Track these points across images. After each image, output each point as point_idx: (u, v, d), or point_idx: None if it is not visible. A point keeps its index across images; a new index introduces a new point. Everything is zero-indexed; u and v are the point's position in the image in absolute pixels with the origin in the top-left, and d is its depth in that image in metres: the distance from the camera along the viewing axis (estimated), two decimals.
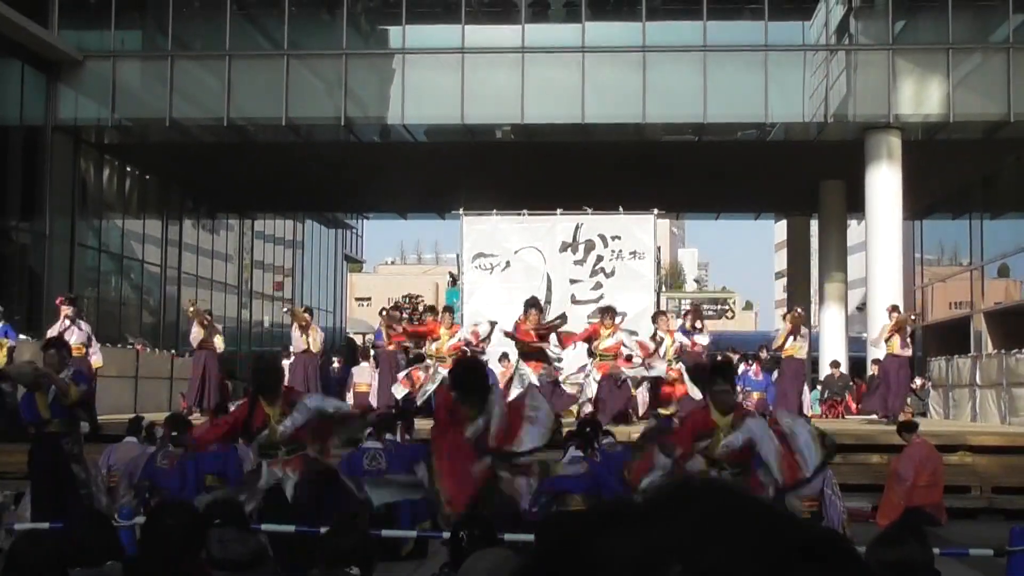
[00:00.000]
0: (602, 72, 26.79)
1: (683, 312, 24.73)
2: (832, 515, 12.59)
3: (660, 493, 1.30)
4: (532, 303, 19.40)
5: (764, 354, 25.11)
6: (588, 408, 19.38)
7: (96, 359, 19.69)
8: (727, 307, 71.04)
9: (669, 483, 1.32)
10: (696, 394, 18.09)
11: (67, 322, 19.53)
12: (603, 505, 1.34)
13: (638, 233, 24.48)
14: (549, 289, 23.86)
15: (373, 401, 22.60)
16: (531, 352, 18.91)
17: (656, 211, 24.86)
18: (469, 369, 11.50)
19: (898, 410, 20.75)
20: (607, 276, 24.15)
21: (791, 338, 21.11)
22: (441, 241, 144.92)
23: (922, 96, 26.63)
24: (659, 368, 19.71)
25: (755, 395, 23.57)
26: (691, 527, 1.21)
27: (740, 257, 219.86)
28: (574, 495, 12.28)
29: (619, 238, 24.35)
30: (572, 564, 1.24)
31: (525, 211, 25.08)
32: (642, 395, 20.63)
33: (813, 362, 28.23)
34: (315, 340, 22.16)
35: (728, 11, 27.88)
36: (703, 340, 21.09)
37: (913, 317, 21.93)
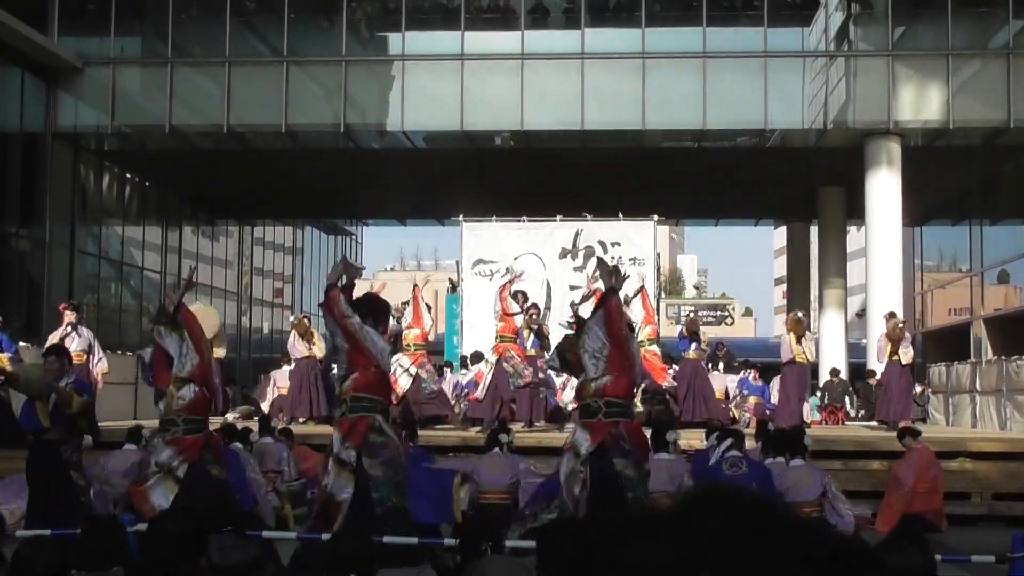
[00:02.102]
0: (601, 78, 26.79)
1: (681, 322, 24.77)
2: (835, 522, 12.59)
3: (686, 501, 1.30)
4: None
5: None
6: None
7: (102, 364, 19.70)
8: (726, 313, 71.23)
9: (695, 491, 1.32)
10: None
11: (68, 328, 19.56)
12: (630, 513, 1.35)
13: (637, 239, 24.52)
14: (549, 296, 23.90)
15: None
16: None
17: (656, 217, 24.91)
18: None
19: (900, 416, 20.76)
20: None
21: (798, 344, 21.05)
22: (440, 248, 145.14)
23: (922, 102, 26.63)
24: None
25: (752, 399, 23.61)
26: (719, 534, 1.22)
27: (739, 263, 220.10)
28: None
29: (619, 244, 24.39)
30: (602, 571, 1.24)
31: (525, 217, 25.11)
32: None
33: (813, 369, 28.23)
34: (319, 346, 22.16)
35: (727, 17, 27.89)
36: (694, 351, 21.28)
37: (900, 325, 21.90)
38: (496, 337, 19.24)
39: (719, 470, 12.72)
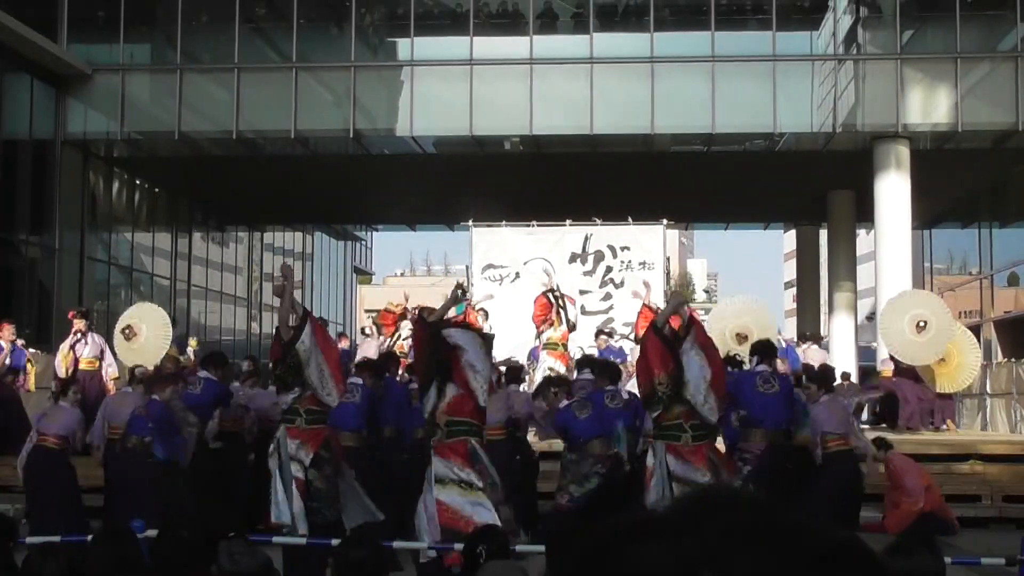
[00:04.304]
0: (610, 83, 26.80)
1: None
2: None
3: (686, 503, 1.32)
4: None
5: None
6: None
7: (113, 370, 19.77)
8: None
9: (694, 493, 1.34)
10: None
11: (78, 335, 19.62)
12: (630, 515, 1.37)
13: (647, 243, 24.53)
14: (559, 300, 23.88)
15: None
16: None
17: (665, 221, 24.90)
18: None
19: (918, 423, 21.06)
20: (616, 287, 24.19)
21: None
22: (450, 252, 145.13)
23: (930, 105, 26.61)
24: None
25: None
26: (719, 536, 1.25)
27: (749, 267, 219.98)
28: (591, 440, 12.62)
29: (628, 249, 24.40)
30: (602, 573, 1.26)
31: (534, 222, 25.12)
32: None
33: None
34: None
35: (736, 21, 27.90)
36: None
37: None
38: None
39: (752, 382, 12.91)
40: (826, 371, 14.72)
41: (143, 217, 34.19)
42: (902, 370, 22.14)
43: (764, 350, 13.52)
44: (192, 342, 27.59)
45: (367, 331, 24.74)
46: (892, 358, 22.82)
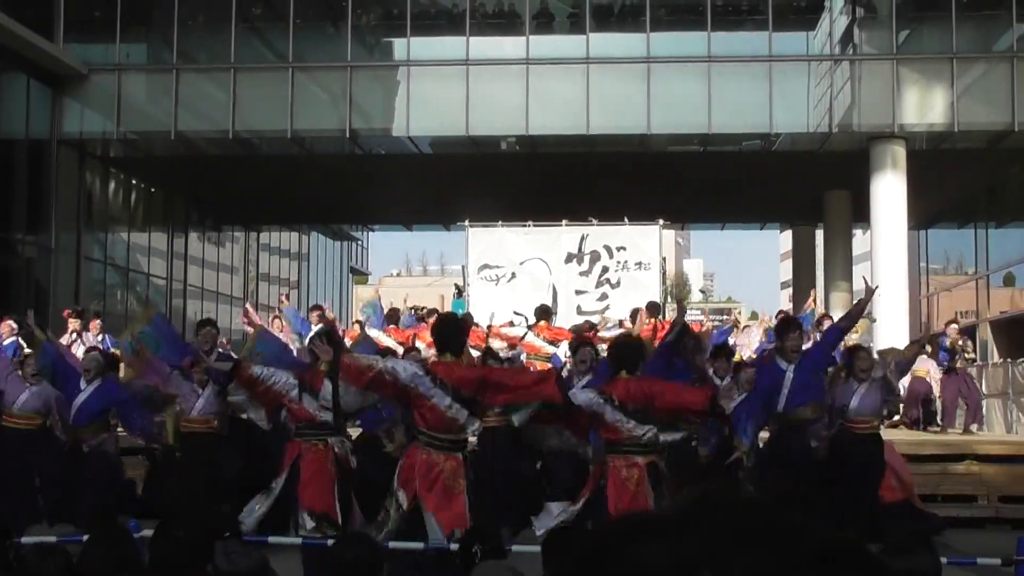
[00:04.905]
0: (606, 83, 26.80)
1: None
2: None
3: (687, 504, 1.32)
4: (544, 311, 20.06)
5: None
6: None
7: None
8: (733, 317, 71.14)
9: (695, 494, 1.35)
10: None
11: (73, 335, 19.60)
12: (631, 516, 1.37)
13: (643, 244, 24.49)
14: (555, 300, 23.87)
15: None
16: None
17: (661, 221, 24.86)
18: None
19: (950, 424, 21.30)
20: (613, 287, 24.16)
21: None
22: (446, 253, 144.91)
23: (926, 106, 26.62)
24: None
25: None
26: (718, 537, 1.25)
27: (745, 267, 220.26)
28: None
29: (624, 249, 24.36)
30: (602, 573, 1.27)
31: (531, 222, 25.08)
32: None
33: None
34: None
35: (732, 22, 27.90)
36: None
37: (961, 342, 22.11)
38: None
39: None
40: None
41: (139, 217, 34.18)
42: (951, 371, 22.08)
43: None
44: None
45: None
46: (946, 356, 22.77)
